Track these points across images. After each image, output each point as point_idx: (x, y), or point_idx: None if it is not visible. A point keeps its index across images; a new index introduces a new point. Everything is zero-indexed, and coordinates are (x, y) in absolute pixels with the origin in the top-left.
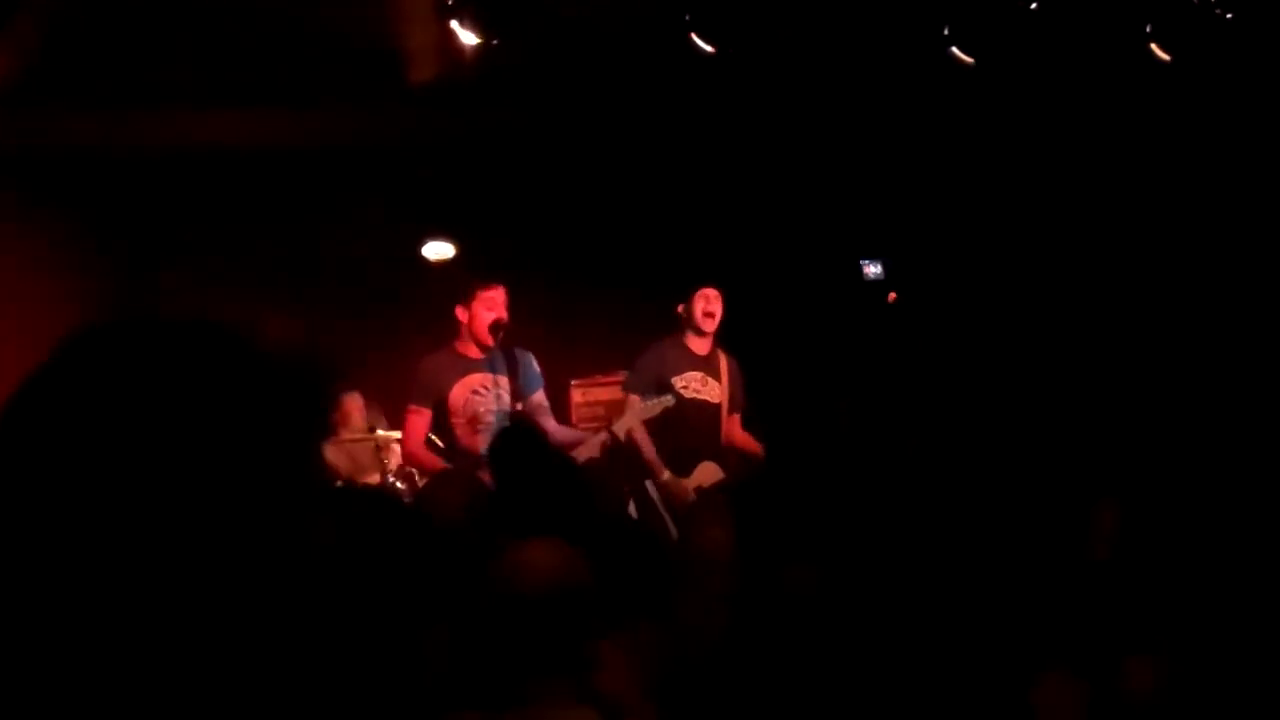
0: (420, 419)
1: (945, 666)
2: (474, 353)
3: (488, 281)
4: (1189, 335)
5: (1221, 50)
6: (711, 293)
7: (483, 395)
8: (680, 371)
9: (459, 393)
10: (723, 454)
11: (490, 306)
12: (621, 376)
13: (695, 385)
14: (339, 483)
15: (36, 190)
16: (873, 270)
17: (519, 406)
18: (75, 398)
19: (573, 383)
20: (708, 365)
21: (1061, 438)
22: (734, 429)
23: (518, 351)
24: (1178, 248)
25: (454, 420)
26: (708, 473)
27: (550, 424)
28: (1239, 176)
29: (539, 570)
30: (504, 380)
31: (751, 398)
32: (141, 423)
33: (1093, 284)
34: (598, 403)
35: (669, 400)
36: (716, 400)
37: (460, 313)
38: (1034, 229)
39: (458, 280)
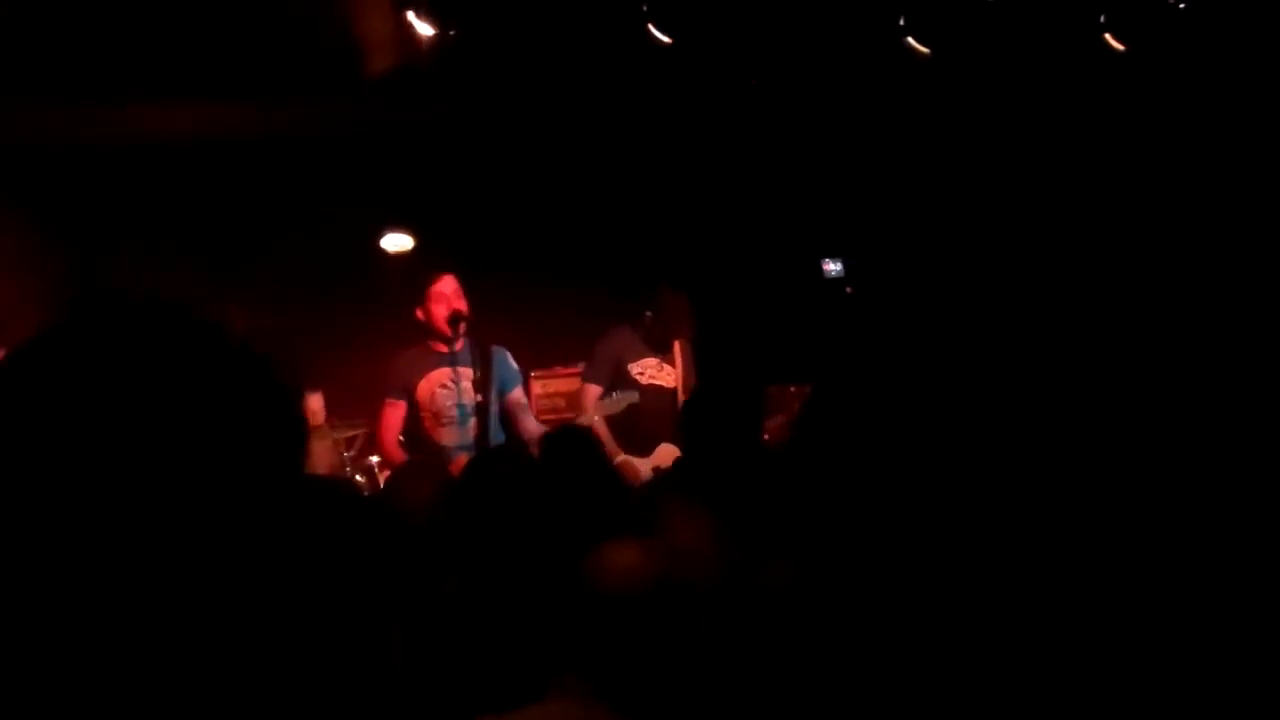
0: (394, 411)
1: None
2: (441, 348)
3: (435, 274)
4: (1146, 329)
5: (1176, 41)
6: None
7: (448, 389)
8: (637, 358)
9: (425, 387)
10: (679, 436)
11: (441, 299)
12: (580, 368)
13: (651, 371)
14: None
15: None
16: (833, 268)
17: (479, 398)
18: (44, 386)
19: (533, 374)
20: (663, 352)
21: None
22: None
23: (493, 348)
24: (1135, 240)
25: (421, 414)
26: (666, 454)
27: (530, 422)
28: (1194, 167)
29: (631, 572)
30: (467, 373)
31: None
32: (115, 412)
33: (1051, 275)
34: (558, 394)
35: (634, 396)
36: (672, 385)
37: (419, 314)
38: (992, 222)
39: (410, 282)
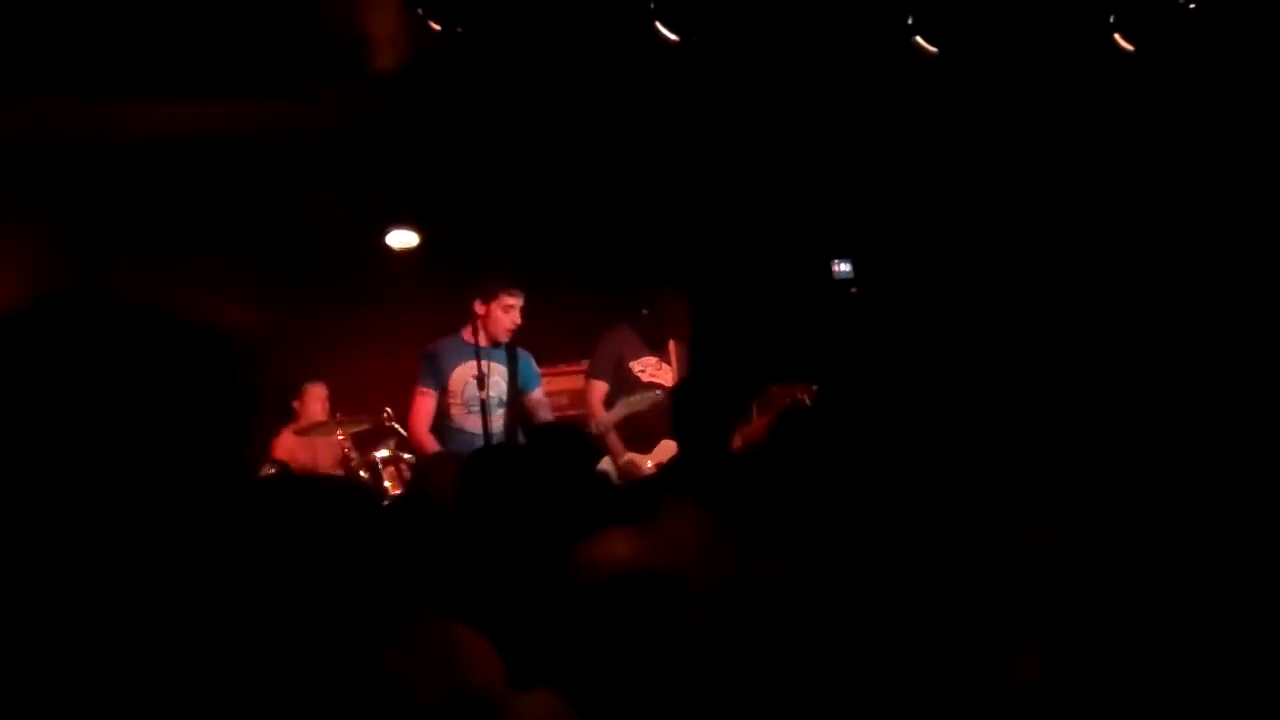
0: (427, 400)
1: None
2: (480, 341)
3: (513, 287)
4: (1151, 334)
5: (1186, 41)
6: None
7: (481, 380)
8: (637, 357)
9: (459, 376)
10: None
11: (509, 311)
12: (583, 365)
13: (651, 370)
14: (297, 473)
15: None
16: (842, 269)
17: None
18: None
19: None
20: (661, 351)
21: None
22: None
23: (518, 349)
24: (1143, 242)
25: (450, 400)
26: (667, 450)
27: (549, 418)
28: (1204, 168)
29: (617, 563)
30: (500, 369)
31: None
32: (49, 405)
33: (1059, 276)
34: (560, 391)
35: (657, 395)
36: (670, 384)
37: (478, 306)
38: (1000, 223)
39: (480, 275)
